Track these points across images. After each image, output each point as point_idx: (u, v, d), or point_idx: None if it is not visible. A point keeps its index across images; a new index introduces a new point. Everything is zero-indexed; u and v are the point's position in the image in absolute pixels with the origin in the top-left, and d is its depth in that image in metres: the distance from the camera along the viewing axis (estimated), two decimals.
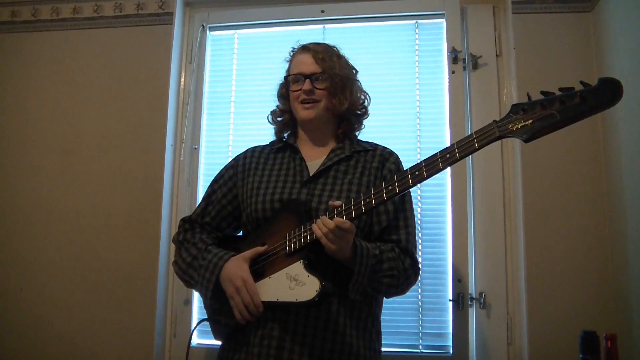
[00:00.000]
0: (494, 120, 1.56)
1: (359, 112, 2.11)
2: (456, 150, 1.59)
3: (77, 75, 2.98)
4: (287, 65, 2.17)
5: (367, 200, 1.70)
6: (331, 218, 1.70)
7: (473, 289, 2.58)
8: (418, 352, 2.55)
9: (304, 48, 2.10)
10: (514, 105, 1.55)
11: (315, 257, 1.77)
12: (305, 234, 1.77)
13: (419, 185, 2.57)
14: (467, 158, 2.56)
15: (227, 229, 2.12)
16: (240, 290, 1.78)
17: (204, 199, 2.14)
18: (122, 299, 2.71)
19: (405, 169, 1.98)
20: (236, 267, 1.83)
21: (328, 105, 2.02)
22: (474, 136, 1.57)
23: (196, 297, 2.78)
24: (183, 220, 2.15)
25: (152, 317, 2.69)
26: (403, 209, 1.96)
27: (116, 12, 3.06)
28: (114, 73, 2.97)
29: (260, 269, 1.85)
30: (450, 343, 2.52)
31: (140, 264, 2.72)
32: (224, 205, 2.09)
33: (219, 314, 1.92)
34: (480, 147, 1.57)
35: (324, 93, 2.01)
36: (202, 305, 2.13)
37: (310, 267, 1.74)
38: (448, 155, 1.61)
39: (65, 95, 2.97)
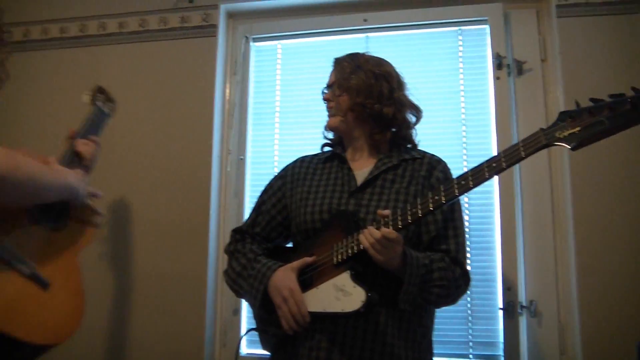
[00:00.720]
0: (541, 128, 1.56)
1: (388, 116, 2.04)
2: (502, 159, 1.60)
3: (123, 89, 3.01)
4: None
5: (414, 210, 1.71)
6: (378, 228, 1.71)
7: (523, 297, 2.55)
8: None
9: (334, 60, 2.16)
10: (561, 113, 1.54)
11: (362, 268, 1.77)
12: (352, 244, 1.77)
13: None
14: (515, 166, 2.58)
15: (278, 239, 2.13)
16: (287, 300, 1.80)
17: (254, 209, 2.17)
18: (172, 309, 2.76)
19: (452, 177, 2.00)
20: (284, 277, 1.84)
21: (345, 111, 2.04)
22: (521, 145, 1.58)
23: (245, 307, 2.81)
24: (234, 230, 2.17)
25: (202, 327, 2.73)
26: (452, 218, 1.95)
27: (161, 26, 3.13)
28: (159, 86, 3.04)
29: (308, 279, 1.86)
30: (501, 352, 2.50)
31: (189, 274, 2.77)
32: (273, 215, 2.11)
33: (267, 324, 1.94)
34: (527, 156, 1.57)
35: (341, 99, 2.04)
36: (251, 315, 2.16)
37: (357, 278, 1.74)
38: (494, 165, 1.61)
39: None
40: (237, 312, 2.82)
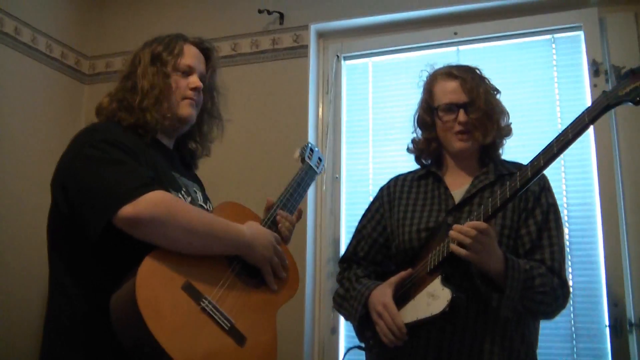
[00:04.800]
0: (603, 91, 1.66)
1: (508, 137, 2.18)
2: (569, 131, 1.69)
3: None
4: (422, 89, 2.27)
5: (493, 203, 1.80)
6: None
7: (632, 313, 2.57)
8: None
9: (449, 75, 2.16)
10: (624, 72, 1.63)
11: (451, 271, 1.87)
12: (442, 249, 1.88)
13: (565, 205, 2.70)
14: (617, 174, 2.66)
15: (384, 261, 2.24)
16: (382, 315, 1.93)
17: (354, 235, 2.31)
18: None
19: (552, 190, 2.08)
20: (380, 294, 1.99)
21: (481, 135, 2.09)
22: (585, 112, 1.67)
23: (342, 325, 2.99)
24: (340, 261, 2.33)
25: (300, 347, 2.92)
26: (547, 227, 2.00)
27: (253, 49, 3.41)
28: (253, 108, 3.30)
29: (405, 292, 1.98)
30: None
31: None
32: (375, 238, 2.24)
33: (374, 344, 2.06)
34: (591, 121, 1.65)
35: (476, 123, 2.08)
36: (349, 334, 2.28)
37: (446, 280, 1.85)
38: (562, 138, 1.70)
39: None
40: (335, 330, 3.00)
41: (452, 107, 2.10)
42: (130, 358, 1.55)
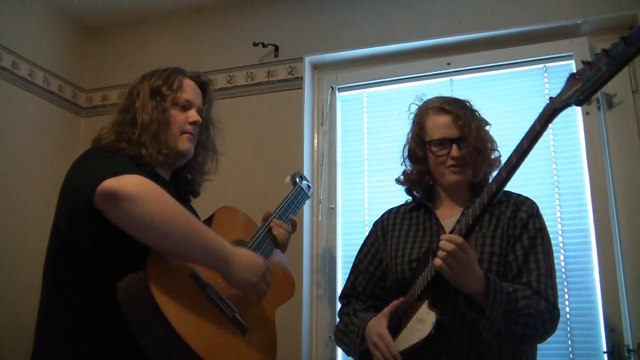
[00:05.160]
0: (550, 97, 1.73)
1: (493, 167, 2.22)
2: (524, 140, 1.75)
3: None
4: (411, 121, 2.32)
5: (466, 221, 1.82)
6: None
7: (629, 339, 2.58)
8: None
9: (441, 109, 2.19)
10: (567, 77, 1.70)
11: (438, 294, 1.89)
12: (427, 274, 1.91)
13: (560, 232, 2.73)
14: (611, 200, 2.69)
15: (383, 294, 2.26)
16: (377, 345, 1.96)
17: (351, 271, 2.35)
18: None
19: (542, 216, 2.12)
20: (375, 324, 2.02)
21: (471, 172, 2.15)
22: (536, 121, 1.73)
23: (340, 356, 2.98)
24: (340, 297, 2.37)
25: None
26: (534, 251, 2.01)
27: (248, 81, 3.46)
28: (248, 140, 3.33)
29: (399, 321, 2.00)
30: None
31: (283, 324, 2.91)
32: (372, 272, 2.28)
33: None
34: (542, 128, 1.72)
35: (468, 157, 2.13)
36: None
37: (432, 304, 1.88)
38: (518, 149, 1.76)
39: None
40: None
41: (445, 142, 2.15)
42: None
